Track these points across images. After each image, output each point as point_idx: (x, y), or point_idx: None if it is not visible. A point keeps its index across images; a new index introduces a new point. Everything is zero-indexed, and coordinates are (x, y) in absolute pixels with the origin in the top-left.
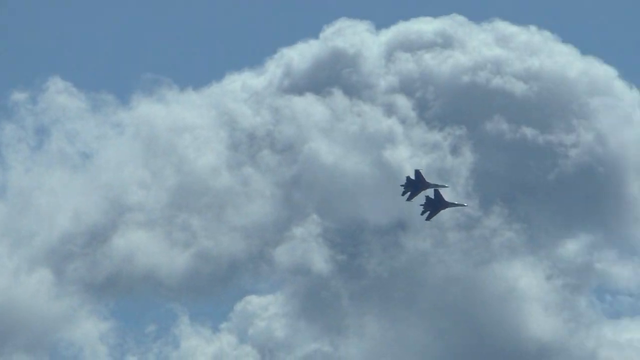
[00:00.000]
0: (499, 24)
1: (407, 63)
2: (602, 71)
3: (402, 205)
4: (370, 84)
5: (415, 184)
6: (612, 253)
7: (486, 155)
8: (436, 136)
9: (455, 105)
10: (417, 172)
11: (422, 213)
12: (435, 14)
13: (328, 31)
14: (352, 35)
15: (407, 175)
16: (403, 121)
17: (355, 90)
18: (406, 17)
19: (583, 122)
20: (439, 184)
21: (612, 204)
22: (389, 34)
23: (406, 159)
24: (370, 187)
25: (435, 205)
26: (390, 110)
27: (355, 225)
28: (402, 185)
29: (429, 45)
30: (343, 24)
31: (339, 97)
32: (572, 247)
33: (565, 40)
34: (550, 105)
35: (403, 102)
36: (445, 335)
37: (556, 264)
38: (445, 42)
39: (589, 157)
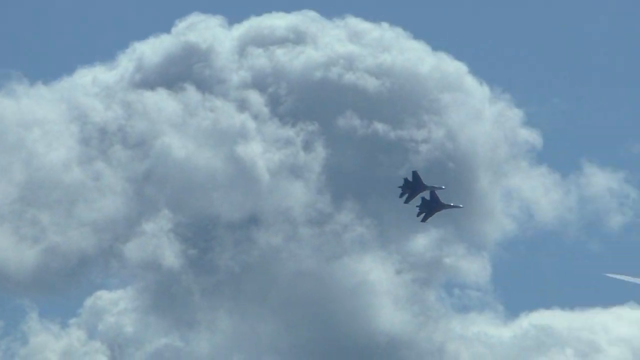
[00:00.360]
0: (351, 20)
1: (259, 58)
2: (453, 67)
3: (255, 201)
4: (223, 79)
5: (412, 186)
6: (461, 248)
7: (338, 150)
8: (289, 132)
9: (307, 101)
10: (415, 174)
11: (418, 215)
12: (287, 9)
13: (180, 26)
14: (205, 30)
15: (404, 177)
16: (255, 117)
17: (208, 85)
18: (258, 12)
19: (434, 117)
20: (436, 185)
21: (461, 199)
22: (241, 29)
23: (259, 155)
24: (223, 182)
25: (431, 206)
26: (242, 105)
27: (207, 220)
28: (399, 187)
29: (281, 41)
30: (195, 18)
31: (191, 92)
32: (421, 242)
33: (417, 36)
34: (401, 101)
35: (255, 98)
36: (296, 329)
37: (406, 258)
38: (298, 38)
39: (440, 153)
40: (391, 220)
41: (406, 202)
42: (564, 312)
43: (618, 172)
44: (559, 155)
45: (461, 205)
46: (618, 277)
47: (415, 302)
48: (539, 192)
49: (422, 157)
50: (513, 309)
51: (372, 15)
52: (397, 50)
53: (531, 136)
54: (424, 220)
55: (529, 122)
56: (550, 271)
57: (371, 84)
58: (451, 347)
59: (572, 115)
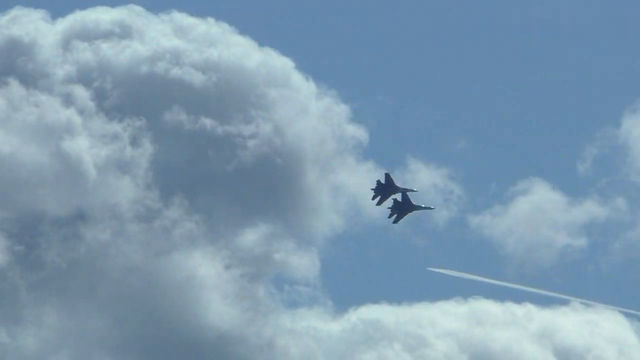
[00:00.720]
0: (177, 15)
1: (84, 52)
2: (280, 63)
3: (81, 197)
4: (47, 73)
5: (385, 188)
6: (290, 243)
7: (166, 146)
8: (115, 127)
9: (134, 96)
10: (387, 176)
11: (390, 216)
12: (112, 3)
13: (2, 20)
14: (27, 24)
15: (377, 179)
16: (81, 112)
17: (32, 79)
18: (83, 6)
19: (261, 113)
20: (408, 188)
21: (289, 195)
22: (65, 23)
23: (85, 150)
24: (49, 178)
25: (402, 208)
26: (68, 100)
27: (33, 216)
28: (372, 189)
29: (107, 35)
30: (18, 12)
31: (14, 87)
32: (251, 237)
33: (243, 31)
34: (229, 96)
35: (81, 92)
36: (124, 325)
37: (235, 253)
38: (123, 32)
39: (267, 148)
40: (220, 216)
41: (378, 204)
42: (391, 306)
43: (442, 168)
44: (384, 151)
45: (433, 207)
46: (443, 272)
47: (245, 297)
48: (366, 188)
49: (250, 153)
50: (342, 303)
51: (198, 10)
52: (223, 46)
53: (357, 132)
54: (395, 221)
55: (355, 118)
56: (378, 266)
57: (197, 79)
58: (280, 341)
59: (397, 112)
